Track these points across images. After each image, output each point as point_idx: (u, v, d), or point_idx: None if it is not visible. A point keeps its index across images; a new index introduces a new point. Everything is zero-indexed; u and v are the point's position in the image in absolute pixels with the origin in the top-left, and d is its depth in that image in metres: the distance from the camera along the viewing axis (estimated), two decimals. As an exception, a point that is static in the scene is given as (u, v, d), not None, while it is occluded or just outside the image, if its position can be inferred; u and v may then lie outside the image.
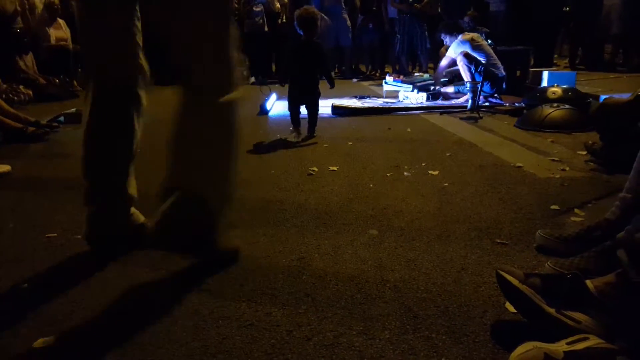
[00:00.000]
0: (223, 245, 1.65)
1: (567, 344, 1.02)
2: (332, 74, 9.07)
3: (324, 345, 1.20)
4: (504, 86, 5.09)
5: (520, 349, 1.01)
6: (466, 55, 4.94)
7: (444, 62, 5.29)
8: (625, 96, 2.16)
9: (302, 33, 3.67)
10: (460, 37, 5.06)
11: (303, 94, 3.67)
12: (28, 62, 6.22)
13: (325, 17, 8.16)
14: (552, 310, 1.15)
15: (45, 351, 1.21)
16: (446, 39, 5.40)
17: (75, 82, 6.54)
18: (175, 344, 1.21)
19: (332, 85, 3.86)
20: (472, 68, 4.85)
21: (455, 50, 5.05)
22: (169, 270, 1.59)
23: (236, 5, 8.49)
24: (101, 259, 1.65)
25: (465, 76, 4.93)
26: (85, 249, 1.72)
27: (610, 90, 4.97)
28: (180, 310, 1.36)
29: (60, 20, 6.84)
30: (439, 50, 7.44)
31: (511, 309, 1.30)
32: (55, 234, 1.90)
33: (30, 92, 5.79)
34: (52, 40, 6.70)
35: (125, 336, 1.25)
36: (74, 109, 4.63)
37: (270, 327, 1.28)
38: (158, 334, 1.26)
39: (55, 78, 6.25)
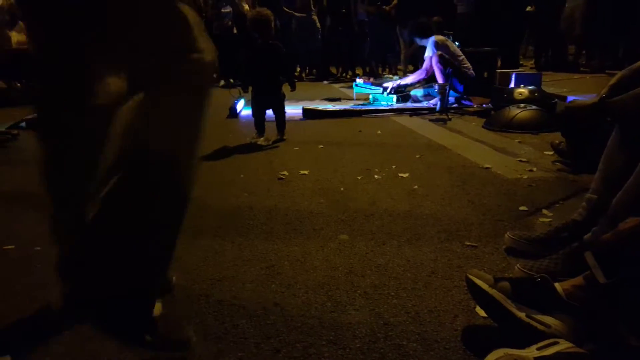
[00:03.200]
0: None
1: (537, 349, 1.01)
2: (303, 75, 9.17)
3: (293, 357, 1.16)
4: (468, 88, 5.15)
5: (490, 357, 1.00)
6: (440, 57, 4.97)
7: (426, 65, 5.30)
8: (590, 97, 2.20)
9: (257, 36, 3.61)
10: (433, 38, 5.09)
11: (266, 98, 3.62)
12: (-13, 65, 6.03)
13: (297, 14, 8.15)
14: (522, 315, 1.14)
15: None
16: (417, 41, 5.44)
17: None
18: (139, 359, 1.16)
19: (293, 88, 3.81)
20: (449, 70, 4.88)
21: (430, 51, 5.07)
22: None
23: (203, 6, 8.40)
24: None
25: (439, 78, 4.95)
26: (44, 262, 1.65)
27: (575, 90, 5.09)
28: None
29: (22, 23, 6.64)
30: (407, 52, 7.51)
31: (482, 313, 1.29)
32: (13, 246, 1.82)
33: (-10, 97, 5.60)
34: (13, 44, 6.49)
35: (84, 351, 1.20)
36: (36, 115, 4.48)
37: (238, 339, 1.24)
38: (122, 350, 1.20)
39: (17, 82, 6.05)
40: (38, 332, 1.29)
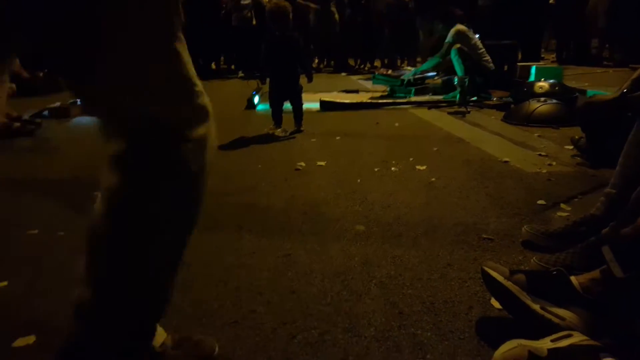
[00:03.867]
0: None
1: (552, 341, 1.02)
2: (321, 66, 9.15)
3: (308, 343, 1.19)
4: (489, 81, 5.10)
5: (504, 347, 1.00)
6: (459, 50, 4.93)
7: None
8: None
9: (275, 28, 3.61)
10: (456, 27, 5.04)
11: (284, 89, 3.63)
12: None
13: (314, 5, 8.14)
14: (537, 307, 1.15)
15: (25, 351, 1.19)
16: (440, 27, 5.40)
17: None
18: (157, 343, 1.19)
19: (310, 80, 3.82)
20: (468, 63, 4.83)
21: (451, 39, 5.02)
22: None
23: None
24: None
25: (459, 70, 4.91)
26: (67, 246, 1.69)
27: (597, 85, 5.01)
28: (164, 309, 1.34)
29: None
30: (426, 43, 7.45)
31: (497, 305, 1.30)
32: (36, 231, 1.87)
33: (14, 86, 5.69)
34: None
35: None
36: (58, 103, 4.58)
37: (255, 325, 1.26)
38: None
39: (40, 72, 6.14)
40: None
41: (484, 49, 5.06)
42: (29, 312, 1.35)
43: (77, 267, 1.57)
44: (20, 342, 1.21)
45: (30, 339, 1.22)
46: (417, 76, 5.38)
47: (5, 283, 1.49)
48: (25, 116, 3.94)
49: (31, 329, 1.25)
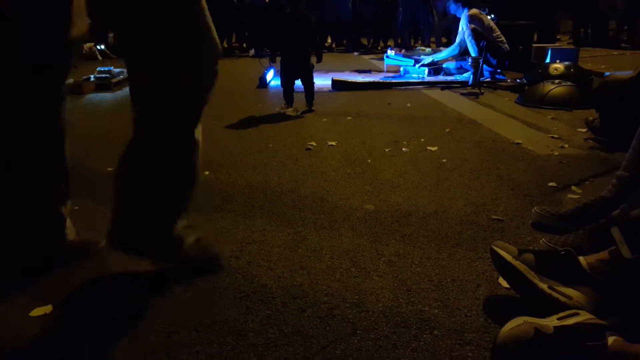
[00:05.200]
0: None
1: (558, 319, 1.03)
2: (333, 45, 9.05)
3: (318, 317, 1.21)
4: (506, 62, 5.04)
5: (510, 324, 1.02)
6: (473, 31, 4.86)
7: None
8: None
9: (287, 5, 3.59)
10: (466, 11, 4.98)
11: (295, 69, 3.62)
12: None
13: None
14: (544, 286, 1.16)
15: (42, 320, 1.22)
16: (451, 7, 5.31)
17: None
18: (171, 315, 1.23)
19: (319, 59, 3.78)
20: (483, 43, 4.76)
21: (463, 24, 4.97)
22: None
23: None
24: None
25: (473, 51, 4.86)
26: (81, 220, 1.72)
27: (613, 67, 4.93)
28: (177, 282, 1.37)
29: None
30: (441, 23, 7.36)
31: (504, 284, 1.31)
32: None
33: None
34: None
35: (121, 307, 1.27)
36: (71, 80, 4.59)
37: (266, 298, 1.29)
38: (154, 305, 1.27)
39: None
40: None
41: (498, 31, 4.99)
42: (47, 282, 1.38)
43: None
44: (37, 312, 1.24)
45: (48, 309, 1.26)
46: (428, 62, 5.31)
47: (22, 254, 1.53)
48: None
49: (48, 299, 1.29)
